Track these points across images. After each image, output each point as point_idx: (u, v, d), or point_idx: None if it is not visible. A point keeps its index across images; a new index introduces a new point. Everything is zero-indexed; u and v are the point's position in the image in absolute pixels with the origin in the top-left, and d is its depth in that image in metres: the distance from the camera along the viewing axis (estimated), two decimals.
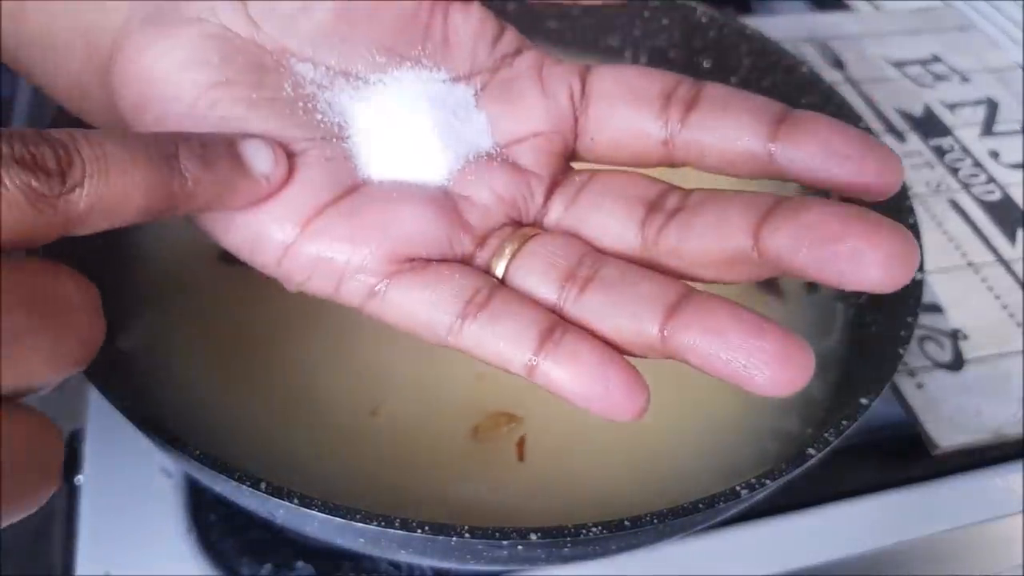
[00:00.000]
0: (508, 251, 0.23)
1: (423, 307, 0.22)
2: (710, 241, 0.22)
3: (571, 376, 0.21)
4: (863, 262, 0.19)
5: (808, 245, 0.20)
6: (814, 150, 0.21)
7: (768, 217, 0.21)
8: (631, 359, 0.22)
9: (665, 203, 0.23)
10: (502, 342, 0.21)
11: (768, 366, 0.19)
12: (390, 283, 0.23)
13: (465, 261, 0.24)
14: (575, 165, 0.26)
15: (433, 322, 0.22)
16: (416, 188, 0.24)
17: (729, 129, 0.23)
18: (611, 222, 0.23)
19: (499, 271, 0.23)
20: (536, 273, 0.23)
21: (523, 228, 0.24)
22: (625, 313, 0.21)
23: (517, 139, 0.25)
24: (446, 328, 0.22)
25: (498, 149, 0.25)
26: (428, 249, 0.23)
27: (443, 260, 0.23)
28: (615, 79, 0.25)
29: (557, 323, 0.22)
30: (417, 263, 0.23)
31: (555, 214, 0.25)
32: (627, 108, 0.24)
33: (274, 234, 0.23)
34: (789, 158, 0.22)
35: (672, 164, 0.24)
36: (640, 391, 0.20)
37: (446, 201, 0.24)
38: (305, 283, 0.23)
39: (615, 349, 0.21)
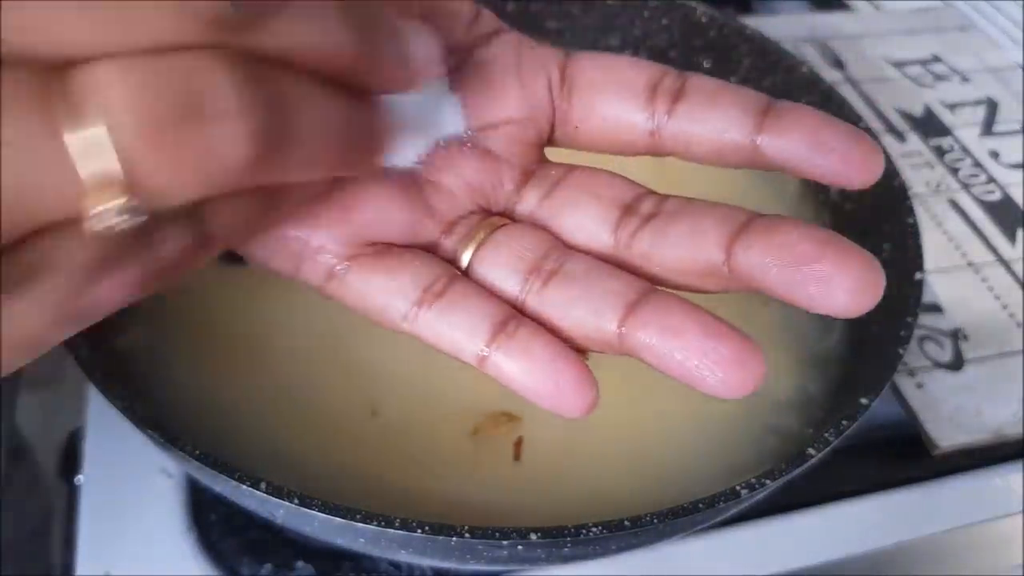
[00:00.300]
0: (475, 240, 0.23)
1: (380, 293, 0.22)
2: (683, 251, 0.22)
3: (522, 370, 0.21)
4: (832, 286, 0.19)
5: (779, 265, 0.20)
6: (799, 141, 0.22)
7: (741, 233, 0.21)
8: (601, 356, 0.22)
9: (640, 207, 0.23)
10: (456, 332, 0.22)
11: (721, 368, 0.20)
12: (351, 266, 0.23)
13: (430, 247, 0.24)
14: (555, 151, 0.26)
15: (389, 308, 0.22)
16: (383, 171, 0.24)
17: (716, 121, 0.23)
18: (585, 221, 0.23)
19: (464, 259, 0.23)
20: (501, 264, 0.23)
21: (492, 217, 0.24)
22: (586, 308, 0.21)
23: (490, 125, 0.25)
24: (401, 315, 0.22)
25: (469, 134, 0.25)
26: (391, 234, 0.23)
27: (406, 246, 0.23)
28: (600, 68, 0.25)
29: (512, 316, 0.22)
30: (380, 247, 0.23)
31: (527, 206, 0.24)
32: (614, 98, 0.24)
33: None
34: (774, 149, 0.22)
35: (657, 154, 0.24)
36: (589, 389, 0.21)
37: (413, 185, 0.24)
38: (267, 261, 0.23)
39: (574, 344, 0.22)
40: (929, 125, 0.56)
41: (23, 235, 0.16)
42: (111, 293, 0.17)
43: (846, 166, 0.21)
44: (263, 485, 0.26)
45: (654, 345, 0.20)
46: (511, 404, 0.35)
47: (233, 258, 0.39)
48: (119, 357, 0.35)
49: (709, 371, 0.20)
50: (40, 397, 0.40)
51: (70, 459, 0.37)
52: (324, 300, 0.24)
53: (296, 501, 0.26)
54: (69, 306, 0.17)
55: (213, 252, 0.19)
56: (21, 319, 0.16)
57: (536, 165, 0.25)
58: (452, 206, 0.24)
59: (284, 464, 0.32)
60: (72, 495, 0.36)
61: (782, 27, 0.62)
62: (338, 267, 0.23)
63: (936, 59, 0.62)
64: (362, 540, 0.28)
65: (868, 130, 0.42)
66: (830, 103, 0.44)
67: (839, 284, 0.19)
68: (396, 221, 0.23)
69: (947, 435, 0.39)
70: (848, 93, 0.57)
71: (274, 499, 0.26)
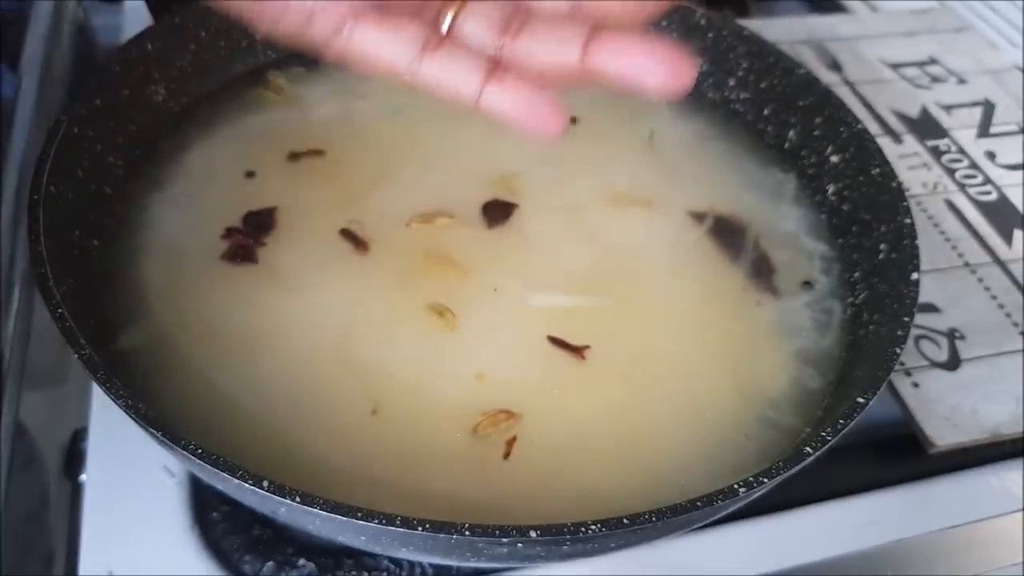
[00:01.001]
0: (453, 6, 0.27)
1: (386, 46, 0.27)
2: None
3: (511, 103, 0.27)
4: (656, 72, 0.25)
5: (618, 61, 0.26)
6: (630, 68, 0.27)
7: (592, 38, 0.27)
8: None
9: None
10: (454, 77, 0.27)
11: (659, 73, 0.25)
12: (354, 24, 0.26)
13: (415, 9, 0.27)
14: None
15: (395, 59, 0.27)
16: None
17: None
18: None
19: (445, 24, 0.27)
20: (478, 27, 0.27)
21: None
22: (552, 47, 0.27)
23: None
24: (406, 65, 0.27)
25: None
26: None
27: (399, 10, 0.27)
28: None
29: (498, 64, 0.27)
30: (378, 7, 0.27)
31: None
32: None
33: None
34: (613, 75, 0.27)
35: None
36: (562, 114, 0.27)
37: None
38: (275, 23, 0.26)
39: (546, 78, 0.27)
40: (926, 126, 0.57)
41: None
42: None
43: (672, 80, 0.26)
44: (265, 483, 0.26)
45: (608, 64, 0.26)
46: (510, 404, 0.35)
47: (235, 258, 0.39)
48: (122, 357, 0.35)
49: (651, 76, 0.25)
50: (44, 397, 0.41)
51: (73, 458, 0.38)
52: (323, 301, 0.24)
53: (298, 499, 0.26)
54: None
55: None
56: None
57: None
58: None
59: (285, 462, 0.32)
60: (75, 494, 0.36)
61: (780, 29, 0.63)
62: (345, 21, 0.26)
63: (933, 61, 0.62)
64: (363, 538, 0.29)
65: (866, 131, 0.43)
66: (827, 105, 0.44)
67: (659, 70, 0.25)
68: None
69: (943, 434, 0.40)
70: (845, 95, 0.57)
71: (276, 497, 0.26)
